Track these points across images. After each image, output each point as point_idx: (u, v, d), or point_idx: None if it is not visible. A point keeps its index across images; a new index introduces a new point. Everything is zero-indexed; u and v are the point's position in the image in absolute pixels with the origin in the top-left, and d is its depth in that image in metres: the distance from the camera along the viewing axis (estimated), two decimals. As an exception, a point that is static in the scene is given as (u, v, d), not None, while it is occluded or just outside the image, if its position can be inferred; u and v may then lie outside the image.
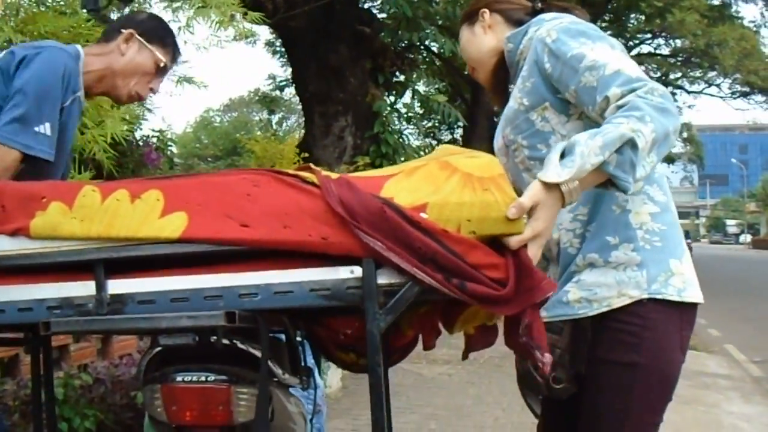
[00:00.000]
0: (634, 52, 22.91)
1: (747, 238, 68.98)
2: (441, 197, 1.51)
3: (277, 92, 21.61)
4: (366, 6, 10.49)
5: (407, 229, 1.45)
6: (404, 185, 1.55)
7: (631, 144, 1.55)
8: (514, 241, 1.49)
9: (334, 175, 1.57)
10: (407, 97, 11.52)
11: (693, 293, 1.80)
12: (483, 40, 2.05)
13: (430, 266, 1.46)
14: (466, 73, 15.78)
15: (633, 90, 1.63)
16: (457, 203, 1.50)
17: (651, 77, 2.09)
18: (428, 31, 9.72)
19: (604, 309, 1.78)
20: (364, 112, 9.55)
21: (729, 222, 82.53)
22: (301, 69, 9.79)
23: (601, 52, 1.73)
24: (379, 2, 10.98)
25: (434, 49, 14.01)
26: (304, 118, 10.78)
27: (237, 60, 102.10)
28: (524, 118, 1.88)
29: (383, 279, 1.48)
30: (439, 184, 1.55)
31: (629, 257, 1.78)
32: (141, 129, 6.37)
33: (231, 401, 1.62)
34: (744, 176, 73.27)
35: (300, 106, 11.76)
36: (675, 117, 1.64)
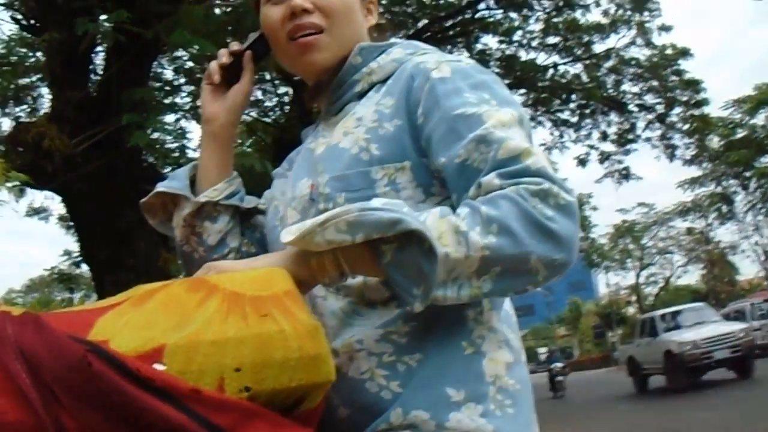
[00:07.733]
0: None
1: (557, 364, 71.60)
2: (187, 335, 0.92)
3: (75, 268, 20.31)
4: (149, 162, 9.86)
5: (128, 392, 0.84)
6: (129, 320, 0.95)
7: (419, 241, 1.02)
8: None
9: (16, 311, 0.94)
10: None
11: None
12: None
13: None
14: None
15: (519, 184, 1.07)
16: (215, 342, 0.92)
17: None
18: None
19: None
20: (158, 277, 8.68)
21: (540, 350, 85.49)
22: (88, 236, 8.95)
23: (506, 119, 1.16)
24: (160, 158, 10.46)
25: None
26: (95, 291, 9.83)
27: (34, 237, 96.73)
28: (362, 173, 1.24)
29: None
30: (186, 313, 0.96)
31: (476, 425, 1.14)
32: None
33: None
34: (549, 302, 76.08)
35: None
36: (556, 244, 1.06)
